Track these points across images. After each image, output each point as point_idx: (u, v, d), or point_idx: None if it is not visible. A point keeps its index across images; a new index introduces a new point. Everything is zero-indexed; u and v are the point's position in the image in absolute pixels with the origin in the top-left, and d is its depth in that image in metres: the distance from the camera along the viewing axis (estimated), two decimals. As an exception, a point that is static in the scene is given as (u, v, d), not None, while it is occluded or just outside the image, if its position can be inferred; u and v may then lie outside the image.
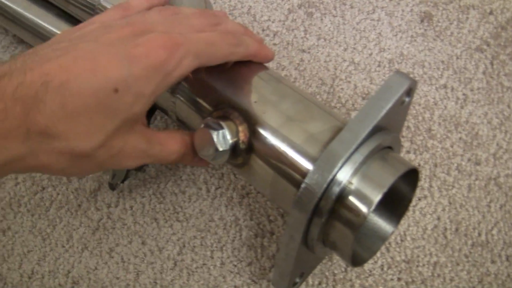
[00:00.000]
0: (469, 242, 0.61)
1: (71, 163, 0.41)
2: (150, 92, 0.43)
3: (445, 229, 0.62)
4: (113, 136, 0.42)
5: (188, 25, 0.47)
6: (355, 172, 0.44)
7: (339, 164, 0.43)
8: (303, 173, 0.46)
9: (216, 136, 0.47)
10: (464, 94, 0.69)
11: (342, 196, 0.44)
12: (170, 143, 0.48)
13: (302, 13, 0.76)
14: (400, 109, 0.48)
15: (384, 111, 0.44)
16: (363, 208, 0.43)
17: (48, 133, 0.39)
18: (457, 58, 0.72)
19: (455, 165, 0.65)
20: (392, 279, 0.59)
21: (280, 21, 0.76)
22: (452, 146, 0.66)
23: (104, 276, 0.61)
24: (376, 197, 0.43)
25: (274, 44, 0.74)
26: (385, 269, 0.60)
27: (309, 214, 0.44)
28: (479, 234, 0.61)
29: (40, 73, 0.39)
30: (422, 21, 0.75)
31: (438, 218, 0.62)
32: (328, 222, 0.45)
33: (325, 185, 0.43)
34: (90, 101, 0.39)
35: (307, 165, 0.46)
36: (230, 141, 0.48)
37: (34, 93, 0.38)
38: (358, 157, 0.44)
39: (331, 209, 0.44)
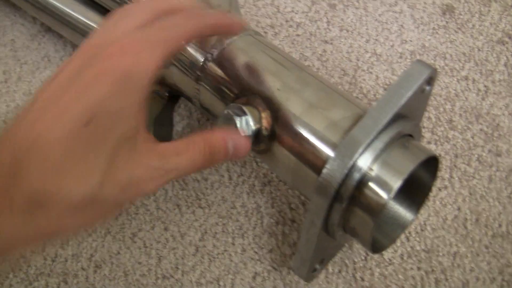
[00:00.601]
0: (490, 233, 0.61)
1: (78, 217, 0.37)
2: (129, 103, 0.38)
3: (466, 219, 0.62)
4: (111, 168, 0.37)
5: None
6: (375, 159, 0.44)
7: (360, 151, 0.44)
8: (325, 160, 0.46)
9: (239, 122, 0.48)
10: (485, 86, 0.69)
11: (362, 183, 0.44)
12: (191, 148, 0.42)
13: (325, 5, 0.77)
14: (420, 98, 0.48)
15: (404, 99, 0.45)
16: (383, 195, 0.44)
17: (37, 198, 0.35)
18: (479, 50, 0.72)
19: (476, 156, 0.65)
20: (411, 268, 0.60)
21: (304, 12, 0.76)
22: (473, 137, 0.66)
23: (126, 261, 0.62)
24: (396, 184, 0.44)
25: (297, 35, 0.74)
26: (405, 258, 0.60)
27: (329, 200, 0.44)
28: (500, 225, 0.61)
29: (7, 147, 0.36)
30: (444, 13, 0.75)
31: (459, 209, 0.62)
32: (348, 208, 0.46)
33: (345, 171, 0.43)
34: (66, 145, 0.35)
35: (328, 151, 0.47)
36: (253, 127, 0.48)
37: (7, 170, 0.35)
38: (379, 144, 0.44)
39: (352, 195, 0.45)
